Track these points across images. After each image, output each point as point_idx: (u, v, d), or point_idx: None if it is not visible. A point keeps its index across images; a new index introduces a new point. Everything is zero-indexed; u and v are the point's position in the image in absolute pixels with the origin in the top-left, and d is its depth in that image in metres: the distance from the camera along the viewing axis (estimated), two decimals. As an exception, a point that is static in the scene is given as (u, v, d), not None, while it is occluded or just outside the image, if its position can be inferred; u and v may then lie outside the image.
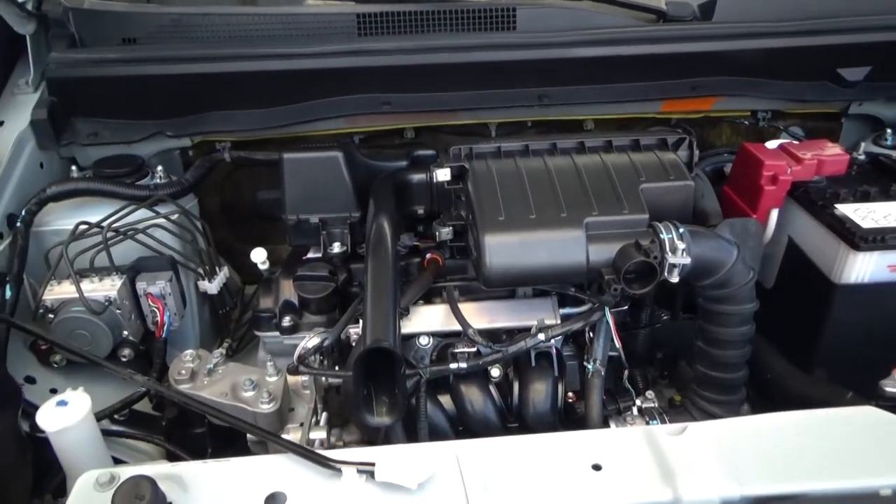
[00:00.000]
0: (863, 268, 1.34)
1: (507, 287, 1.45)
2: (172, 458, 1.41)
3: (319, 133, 1.78)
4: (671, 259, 1.19)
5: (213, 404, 1.31)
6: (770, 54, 1.74)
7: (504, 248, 1.27)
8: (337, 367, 1.37)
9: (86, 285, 1.46)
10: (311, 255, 1.61)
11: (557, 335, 1.33)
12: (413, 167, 1.65)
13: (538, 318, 1.36)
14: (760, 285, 1.39)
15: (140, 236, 1.57)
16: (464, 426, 1.36)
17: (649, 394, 1.38)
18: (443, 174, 1.44)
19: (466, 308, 1.39)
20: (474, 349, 1.33)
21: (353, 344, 1.37)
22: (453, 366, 1.30)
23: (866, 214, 1.38)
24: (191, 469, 0.99)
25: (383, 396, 1.20)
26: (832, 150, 1.52)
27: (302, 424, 1.32)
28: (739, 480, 0.94)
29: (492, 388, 1.36)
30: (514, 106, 1.75)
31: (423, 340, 1.36)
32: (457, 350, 1.34)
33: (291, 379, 1.41)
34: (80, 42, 1.72)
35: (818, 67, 1.78)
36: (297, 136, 1.77)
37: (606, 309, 1.31)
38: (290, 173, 1.57)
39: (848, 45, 1.74)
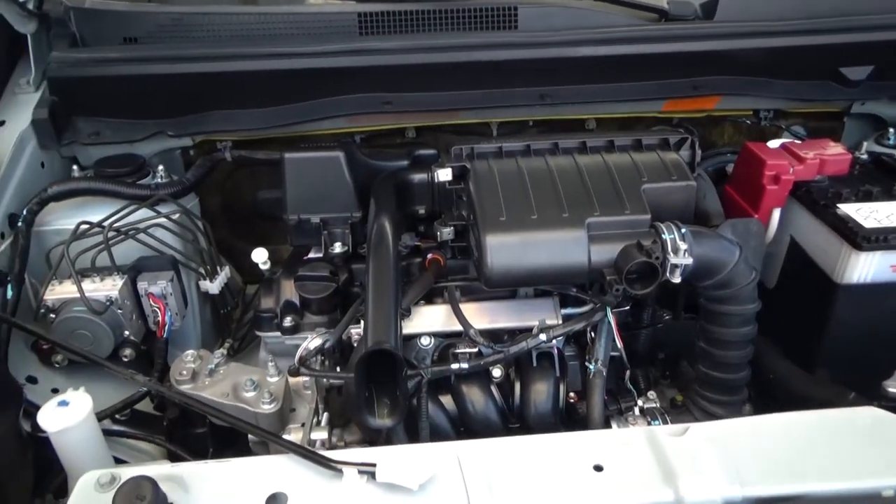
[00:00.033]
0: (865, 268, 1.34)
1: (508, 287, 1.45)
2: (174, 458, 1.41)
3: (320, 132, 1.78)
4: (673, 259, 1.19)
5: (214, 405, 1.31)
6: (772, 53, 1.73)
7: (505, 249, 1.27)
8: (338, 368, 1.36)
9: (87, 285, 1.46)
10: (312, 255, 1.60)
11: (559, 335, 1.33)
12: (414, 167, 1.64)
13: (540, 319, 1.35)
14: (762, 285, 1.39)
15: (141, 236, 1.57)
16: (465, 426, 1.36)
17: (651, 394, 1.38)
18: (444, 174, 1.43)
19: (468, 308, 1.39)
20: (476, 349, 1.33)
21: (355, 345, 1.37)
22: (455, 366, 1.30)
23: (869, 214, 1.37)
24: (192, 469, 0.99)
25: (385, 398, 1.20)
26: (834, 150, 1.51)
27: (303, 425, 1.32)
28: (741, 481, 0.94)
29: (493, 389, 1.36)
30: (516, 105, 1.75)
31: (425, 341, 1.36)
32: (458, 350, 1.34)
33: (293, 379, 1.40)
34: (81, 41, 1.72)
35: (820, 66, 1.78)
36: (298, 135, 1.76)
37: (608, 309, 1.31)
38: (292, 173, 1.57)
39: (851, 45, 1.73)
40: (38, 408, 1.16)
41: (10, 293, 1.44)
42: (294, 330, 1.48)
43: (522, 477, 0.97)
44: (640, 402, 1.35)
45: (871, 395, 1.23)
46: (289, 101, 1.71)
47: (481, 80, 1.71)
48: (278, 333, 1.51)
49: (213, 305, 1.81)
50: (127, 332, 1.51)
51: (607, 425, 1.32)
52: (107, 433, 1.27)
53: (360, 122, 1.78)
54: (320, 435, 1.28)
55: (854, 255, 1.33)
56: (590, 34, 1.70)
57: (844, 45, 1.73)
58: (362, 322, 1.29)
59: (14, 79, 1.75)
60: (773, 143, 1.56)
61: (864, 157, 1.61)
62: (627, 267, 1.20)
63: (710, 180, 1.56)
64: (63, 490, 1.23)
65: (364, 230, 1.54)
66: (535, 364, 1.37)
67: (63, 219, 1.58)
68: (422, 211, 1.60)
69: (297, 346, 1.35)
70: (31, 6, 1.66)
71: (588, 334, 1.36)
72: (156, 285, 1.53)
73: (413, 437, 1.30)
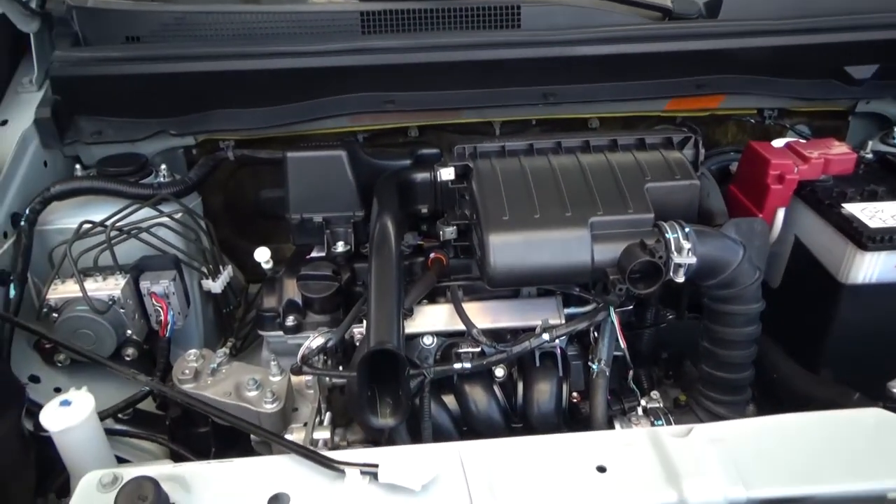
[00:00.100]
0: (870, 268, 1.33)
1: (511, 287, 1.44)
2: (176, 457, 1.41)
3: (323, 131, 1.78)
4: (677, 259, 1.18)
5: (216, 404, 1.31)
6: (776, 52, 1.72)
7: (508, 248, 1.26)
8: (341, 368, 1.36)
9: (89, 284, 1.47)
10: (314, 254, 1.60)
11: (562, 335, 1.32)
12: (417, 166, 1.64)
13: (542, 318, 1.35)
14: (766, 285, 1.38)
15: (144, 235, 1.57)
16: (468, 426, 1.36)
17: (654, 394, 1.38)
18: (447, 173, 1.43)
19: (470, 308, 1.38)
20: (478, 349, 1.33)
21: (357, 344, 1.36)
22: (457, 366, 1.30)
23: (874, 214, 1.36)
24: (194, 470, 0.99)
25: (387, 398, 1.19)
26: (839, 149, 1.50)
27: (305, 424, 1.31)
28: (745, 483, 0.93)
29: (496, 389, 1.36)
30: (519, 104, 1.74)
31: (427, 340, 1.36)
32: (461, 350, 1.33)
33: (295, 378, 1.40)
34: (83, 40, 1.73)
35: (825, 65, 1.77)
36: (300, 134, 1.76)
37: (611, 309, 1.30)
38: (294, 172, 1.57)
39: (855, 43, 1.72)
40: (40, 407, 1.16)
41: (12, 292, 1.45)
42: (296, 329, 1.48)
43: (525, 478, 0.96)
44: (643, 402, 1.35)
45: (876, 395, 1.22)
46: (291, 101, 1.71)
47: (484, 79, 1.71)
48: (281, 333, 1.50)
49: (216, 304, 1.81)
50: (129, 332, 1.51)
51: (610, 425, 1.32)
52: (109, 432, 1.27)
53: (362, 122, 1.78)
54: (323, 435, 1.27)
55: (859, 255, 1.32)
56: (593, 33, 1.69)
57: (849, 43, 1.72)
58: (365, 321, 1.29)
59: (17, 78, 1.76)
60: (778, 143, 1.55)
61: (870, 156, 1.60)
62: (631, 266, 1.19)
63: (714, 179, 1.55)
64: (65, 489, 1.23)
65: (366, 229, 1.54)
66: (537, 364, 1.36)
67: (66, 218, 1.58)
68: (424, 210, 1.60)
69: (300, 346, 1.35)
70: (33, 5, 1.66)
71: (591, 334, 1.36)
72: (158, 284, 1.53)
73: (415, 437, 1.30)
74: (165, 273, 1.55)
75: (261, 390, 1.35)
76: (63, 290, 1.48)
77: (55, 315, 1.46)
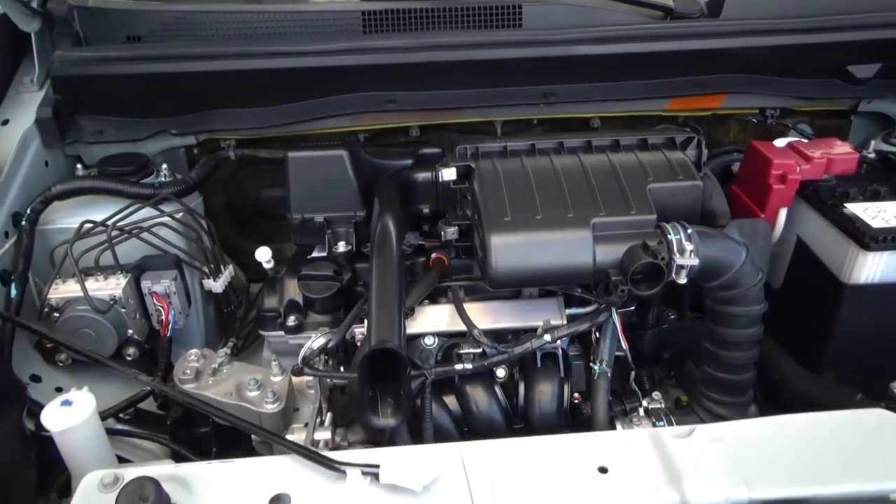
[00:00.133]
0: (873, 268, 1.33)
1: (512, 288, 1.44)
2: (177, 457, 1.41)
3: (324, 131, 1.77)
4: (679, 260, 1.18)
5: (217, 404, 1.30)
6: (779, 51, 1.72)
7: (510, 249, 1.26)
8: (342, 368, 1.36)
9: (91, 284, 1.46)
10: (315, 254, 1.60)
11: (563, 336, 1.32)
12: (418, 166, 1.64)
13: (544, 319, 1.35)
14: (768, 285, 1.38)
15: (145, 235, 1.57)
16: (469, 427, 1.36)
17: (656, 395, 1.37)
18: (448, 173, 1.43)
19: (472, 308, 1.38)
20: (480, 350, 1.33)
21: (358, 344, 1.36)
22: (458, 366, 1.29)
23: (876, 214, 1.36)
24: (195, 470, 0.99)
25: (388, 398, 1.19)
26: (842, 149, 1.50)
27: (307, 424, 1.31)
28: (747, 484, 0.93)
29: (497, 389, 1.36)
30: (520, 104, 1.74)
31: (429, 341, 1.36)
32: (462, 351, 1.33)
33: (296, 378, 1.40)
34: (84, 40, 1.73)
35: (827, 64, 1.77)
36: (301, 134, 1.76)
37: (613, 310, 1.30)
38: (295, 172, 1.57)
39: (858, 42, 1.72)
40: (41, 406, 1.16)
41: (14, 292, 1.45)
42: (297, 329, 1.47)
43: (526, 478, 0.96)
44: (644, 403, 1.35)
45: (878, 396, 1.22)
46: (292, 100, 1.71)
47: (485, 78, 1.71)
48: (282, 333, 1.50)
49: (217, 304, 1.81)
50: (130, 331, 1.51)
51: (612, 426, 1.31)
52: (110, 432, 1.27)
53: (363, 121, 1.77)
54: (324, 435, 1.27)
55: (861, 255, 1.32)
56: (594, 32, 1.69)
57: (851, 42, 1.72)
58: (366, 321, 1.29)
59: (18, 77, 1.75)
60: (780, 142, 1.54)
61: (872, 155, 1.59)
62: (633, 267, 1.19)
63: (717, 180, 1.55)
64: (67, 489, 1.23)
65: (368, 229, 1.54)
66: (539, 365, 1.36)
67: (67, 217, 1.58)
68: (426, 210, 1.60)
69: (301, 346, 1.34)
70: (34, 5, 1.66)
71: (593, 335, 1.36)
72: (159, 284, 1.53)
73: (417, 437, 1.29)
74: (167, 273, 1.55)
75: (262, 390, 1.35)
76: (64, 290, 1.48)
77: (56, 315, 1.46)
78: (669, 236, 1.21)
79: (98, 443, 1.18)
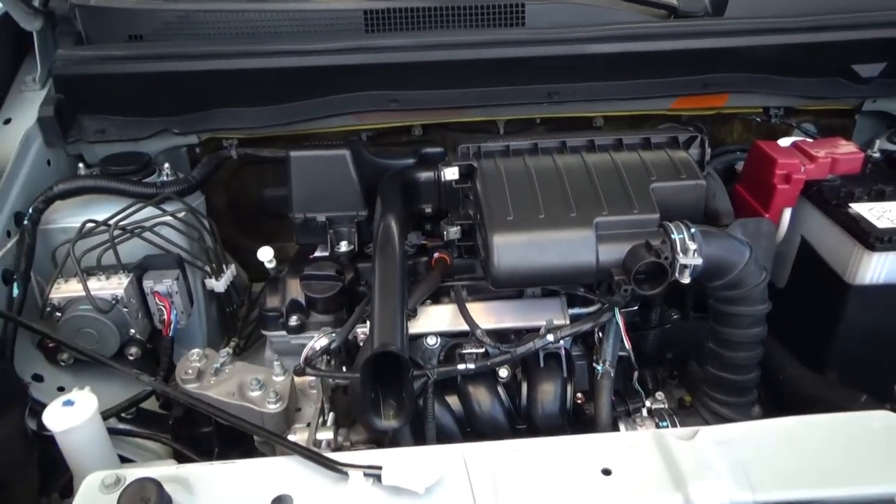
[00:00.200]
0: (877, 268, 1.32)
1: (515, 287, 1.43)
2: (179, 457, 1.41)
3: (326, 130, 1.77)
4: (682, 260, 1.17)
5: (219, 404, 1.30)
6: (783, 50, 1.71)
7: (513, 249, 1.25)
8: (344, 368, 1.36)
9: (93, 283, 1.46)
10: (318, 253, 1.60)
11: (566, 336, 1.32)
12: (421, 165, 1.63)
13: (547, 319, 1.34)
14: (772, 285, 1.37)
15: (147, 234, 1.57)
16: (471, 427, 1.35)
17: (659, 395, 1.37)
18: (451, 173, 1.42)
19: (474, 308, 1.38)
20: (482, 350, 1.32)
21: (361, 344, 1.36)
22: (461, 367, 1.29)
23: (881, 214, 1.35)
24: (197, 471, 0.99)
25: (391, 399, 1.19)
26: (846, 148, 1.49)
27: (309, 424, 1.31)
28: (752, 486, 0.93)
29: (500, 390, 1.35)
30: (523, 103, 1.74)
31: (431, 341, 1.35)
32: (465, 351, 1.33)
33: (298, 378, 1.40)
34: (86, 39, 1.72)
35: (832, 63, 1.76)
36: (303, 133, 1.76)
37: (616, 309, 1.29)
38: (298, 171, 1.56)
39: (863, 41, 1.71)
40: (43, 406, 1.15)
41: (16, 291, 1.45)
42: (299, 329, 1.47)
43: (529, 480, 0.96)
44: (648, 403, 1.34)
45: (883, 397, 1.22)
46: (294, 99, 1.71)
47: (488, 77, 1.70)
48: (284, 332, 1.50)
49: (219, 303, 1.81)
50: (133, 331, 1.51)
51: (615, 427, 1.31)
52: (112, 432, 1.26)
53: (366, 120, 1.77)
54: (326, 435, 1.27)
55: (866, 256, 1.31)
56: (598, 31, 1.68)
57: (856, 41, 1.71)
58: (368, 322, 1.29)
59: (20, 76, 1.75)
60: (784, 142, 1.54)
61: (877, 155, 1.59)
62: (636, 267, 1.18)
63: (720, 179, 1.54)
64: (69, 489, 1.23)
65: (370, 229, 1.53)
66: (542, 365, 1.35)
67: (69, 217, 1.58)
68: (428, 209, 1.59)
69: (303, 346, 1.34)
70: (37, 4, 1.66)
71: (596, 334, 1.35)
72: (161, 284, 1.53)
73: (419, 437, 1.29)
74: (169, 272, 1.55)
75: (264, 390, 1.34)
76: (66, 290, 1.48)
77: (58, 314, 1.46)
78: (673, 236, 1.20)
79: (100, 443, 1.18)
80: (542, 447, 1.02)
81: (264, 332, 1.55)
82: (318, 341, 1.32)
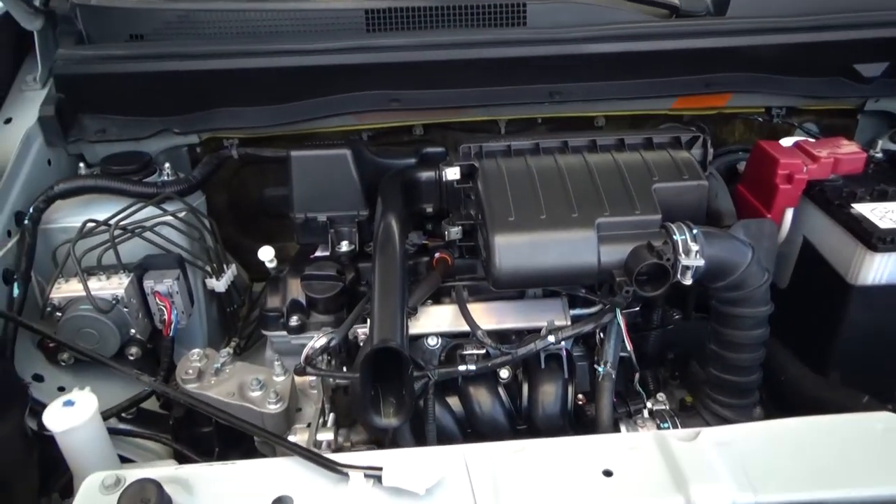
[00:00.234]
0: (880, 269, 1.32)
1: (516, 288, 1.43)
2: (179, 457, 1.41)
3: (327, 130, 1.77)
4: (684, 261, 1.17)
5: (219, 404, 1.30)
6: (785, 50, 1.71)
7: (514, 249, 1.25)
8: (344, 368, 1.35)
9: (93, 283, 1.46)
10: (318, 253, 1.60)
11: (568, 337, 1.31)
12: (422, 165, 1.63)
13: (548, 320, 1.34)
14: (774, 286, 1.37)
15: (147, 234, 1.57)
16: (472, 428, 1.35)
17: (660, 396, 1.36)
18: (452, 173, 1.42)
19: (475, 308, 1.37)
20: (483, 351, 1.32)
21: (361, 344, 1.36)
22: (462, 367, 1.29)
23: (884, 214, 1.35)
24: (197, 472, 0.99)
25: (391, 398, 1.19)
26: (849, 148, 1.49)
27: (309, 425, 1.31)
28: (753, 488, 0.92)
29: (500, 390, 1.35)
30: (525, 103, 1.73)
31: (432, 341, 1.35)
32: (465, 351, 1.32)
33: (299, 378, 1.40)
34: (87, 38, 1.72)
35: (834, 63, 1.76)
36: (304, 132, 1.75)
37: (617, 310, 1.29)
38: (298, 171, 1.56)
39: (865, 41, 1.71)
40: (44, 406, 1.15)
41: (16, 291, 1.44)
42: (300, 329, 1.47)
43: (530, 482, 0.95)
44: (649, 405, 1.34)
45: (885, 398, 1.21)
46: (295, 99, 1.71)
47: (490, 77, 1.70)
48: (284, 332, 1.50)
49: (220, 303, 1.81)
50: (133, 331, 1.50)
51: (616, 428, 1.30)
52: (113, 432, 1.26)
53: (367, 120, 1.77)
54: (326, 435, 1.27)
55: (869, 256, 1.31)
56: (599, 31, 1.68)
57: (858, 41, 1.71)
58: (368, 321, 1.28)
59: (21, 76, 1.75)
60: (786, 142, 1.53)
61: (879, 155, 1.58)
62: (638, 268, 1.18)
63: (722, 179, 1.54)
64: (69, 489, 1.23)
65: (371, 229, 1.53)
66: (543, 366, 1.35)
67: (69, 216, 1.58)
68: (429, 209, 1.59)
69: (304, 346, 1.34)
70: (37, 3, 1.66)
71: (597, 335, 1.35)
72: (162, 284, 1.53)
73: (419, 438, 1.29)
74: (169, 272, 1.55)
75: (264, 391, 1.34)
76: (67, 289, 1.47)
77: (59, 314, 1.46)
78: (675, 237, 1.20)
79: (100, 443, 1.18)
80: (542, 448, 1.01)
81: (265, 332, 1.55)
82: (319, 341, 1.32)
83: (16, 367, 1.39)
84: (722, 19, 1.73)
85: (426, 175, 1.58)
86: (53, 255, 1.55)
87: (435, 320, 1.39)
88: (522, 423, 1.36)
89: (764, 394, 1.39)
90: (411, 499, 0.93)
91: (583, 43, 1.66)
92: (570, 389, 1.36)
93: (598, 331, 1.33)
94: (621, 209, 1.28)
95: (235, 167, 1.88)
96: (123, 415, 1.44)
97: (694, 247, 1.17)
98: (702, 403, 1.37)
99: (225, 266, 1.70)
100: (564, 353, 1.35)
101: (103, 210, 1.57)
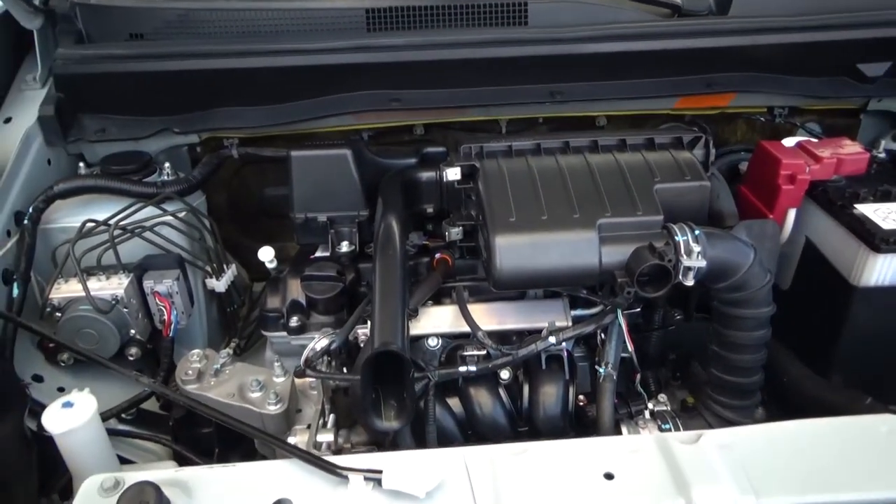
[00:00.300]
0: (883, 270, 1.31)
1: (517, 289, 1.43)
2: (179, 458, 1.40)
3: (328, 129, 1.76)
4: (686, 262, 1.16)
5: (219, 405, 1.30)
6: (787, 49, 1.70)
7: (515, 250, 1.24)
8: (345, 369, 1.35)
9: (93, 284, 1.46)
10: (318, 253, 1.59)
11: (569, 338, 1.31)
12: (422, 165, 1.63)
13: (549, 321, 1.33)
14: (776, 287, 1.36)
15: (147, 234, 1.56)
16: (472, 429, 1.35)
17: (661, 397, 1.36)
18: (453, 173, 1.41)
19: (476, 309, 1.37)
20: (484, 352, 1.31)
21: (362, 345, 1.35)
22: (462, 368, 1.28)
23: (887, 215, 1.34)
24: (196, 474, 0.98)
25: (391, 400, 1.18)
26: (852, 148, 1.48)
27: (309, 426, 1.30)
28: (756, 491, 0.92)
29: (501, 392, 1.35)
30: (526, 102, 1.73)
31: (432, 342, 1.35)
32: (466, 352, 1.32)
33: (299, 379, 1.39)
34: (87, 38, 1.72)
35: (837, 63, 1.75)
36: (305, 132, 1.75)
37: (619, 311, 1.28)
38: (298, 171, 1.56)
39: (868, 40, 1.70)
40: (43, 406, 1.15)
41: (16, 291, 1.44)
42: (300, 330, 1.46)
43: (531, 485, 0.95)
44: (650, 406, 1.33)
45: (888, 400, 1.21)
46: (296, 98, 1.70)
47: (490, 76, 1.69)
48: (284, 333, 1.49)
49: (220, 304, 1.80)
50: (133, 331, 1.50)
51: (617, 429, 1.30)
52: (112, 433, 1.26)
53: (367, 120, 1.76)
54: (326, 437, 1.26)
55: (871, 257, 1.30)
56: (601, 30, 1.67)
57: (861, 40, 1.70)
58: (369, 322, 1.28)
59: (20, 75, 1.75)
60: (789, 142, 1.53)
61: (882, 155, 1.57)
62: (639, 269, 1.17)
63: (724, 180, 1.53)
64: (68, 490, 1.23)
65: (371, 229, 1.52)
66: (543, 367, 1.34)
67: (69, 216, 1.57)
68: (430, 210, 1.59)
69: (304, 346, 1.33)
70: (37, 2, 1.65)
71: (598, 336, 1.34)
72: (162, 284, 1.52)
73: (420, 440, 1.28)
74: (169, 272, 1.54)
75: (264, 392, 1.34)
76: (66, 290, 1.47)
77: (58, 314, 1.45)
78: (676, 237, 1.19)
79: (99, 445, 1.17)
80: (543, 450, 1.01)
81: (265, 333, 1.54)
82: (319, 342, 1.31)
83: (15, 368, 1.39)
84: (724, 19, 1.72)
85: (427, 175, 1.57)
86: (53, 255, 1.55)
87: (435, 321, 1.39)
88: (523, 424, 1.36)
89: (766, 395, 1.39)
90: (411, 502, 0.92)
91: (584, 42, 1.66)
92: (571, 390, 1.35)
93: (599, 332, 1.33)
94: (623, 210, 1.27)
95: (235, 167, 1.87)
96: (123, 415, 1.44)
97: (696, 248, 1.17)
98: (703, 404, 1.36)
99: (225, 266, 1.69)
100: (565, 353, 1.35)
101: (103, 210, 1.56)
